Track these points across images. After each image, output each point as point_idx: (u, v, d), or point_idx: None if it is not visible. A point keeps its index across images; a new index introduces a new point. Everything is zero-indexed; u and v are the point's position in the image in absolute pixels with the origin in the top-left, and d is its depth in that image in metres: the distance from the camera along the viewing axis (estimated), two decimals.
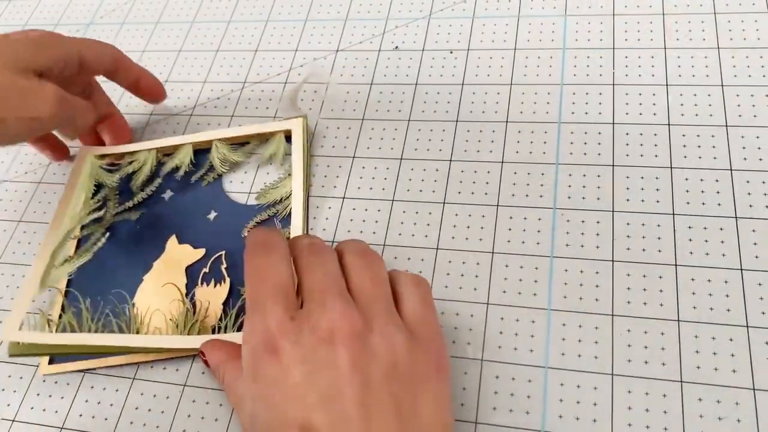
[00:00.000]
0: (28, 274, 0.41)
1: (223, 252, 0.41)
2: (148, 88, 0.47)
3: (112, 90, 0.50)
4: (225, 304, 0.39)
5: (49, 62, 0.39)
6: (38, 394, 0.39)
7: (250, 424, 0.29)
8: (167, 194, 0.44)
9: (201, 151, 0.46)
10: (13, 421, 0.38)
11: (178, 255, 0.41)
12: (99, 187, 0.45)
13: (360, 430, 0.26)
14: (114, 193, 0.45)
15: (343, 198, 0.43)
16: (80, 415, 0.38)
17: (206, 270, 0.40)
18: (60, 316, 0.40)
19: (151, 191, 0.44)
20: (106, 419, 0.37)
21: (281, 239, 0.33)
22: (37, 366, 0.40)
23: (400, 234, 0.40)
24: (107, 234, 0.43)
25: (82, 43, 0.42)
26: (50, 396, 0.39)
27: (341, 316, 0.28)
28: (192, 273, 0.41)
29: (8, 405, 0.39)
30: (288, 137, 0.45)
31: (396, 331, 0.29)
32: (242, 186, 0.44)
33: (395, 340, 0.28)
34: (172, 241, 0.42)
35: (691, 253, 0.37)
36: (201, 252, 0.41)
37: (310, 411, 0.27)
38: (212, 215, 0.43)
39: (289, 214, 0.42)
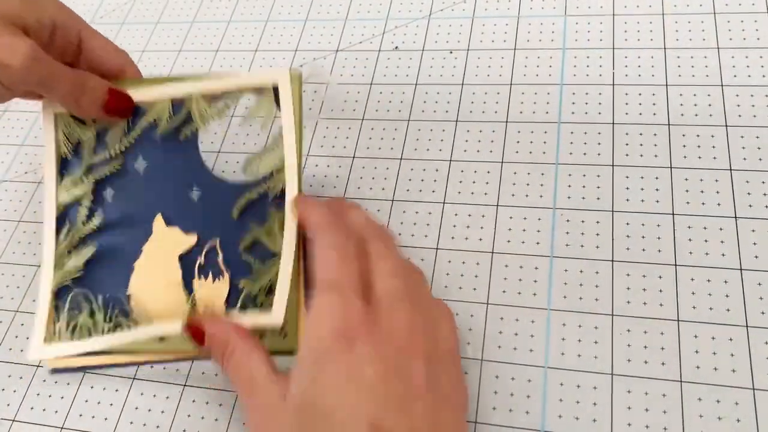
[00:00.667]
0: (41, 284, 0.39)
1: (217, 240, 0.38)
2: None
3: None
4: (226, 302, 0.36)
5: (31, 20, 0.36)
6: (38, 394, 0.39)
7: (296, 406, 0.28)
8: (141, 164, 0.40)
9: (180, 104, 0.40)
10: (13, 421, 0.38)
11: (168, 240, 0.39)
12: (77, 147, 0.41)
13: (426, 429, 0.27)
14: (91, 147, 0.41)
15: (343, 198, 0.43)
16: (80, 415, 0.38)
17: (201, 261, 0.38)
18: (74, 321, 0.38)
19: (127, 144, 0.40)
20: (106, 419, 0.37)
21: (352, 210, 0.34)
22: (37, 366, 0.40)
23: (399, 234, 0.40)
24: (95, 217, 0.40)
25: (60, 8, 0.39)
26: (50, 396, 0.39)
27: (419, 331, 0.29)
28: (186, 263, 0.38)
29: (8, 405, 0.39)
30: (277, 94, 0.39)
31: (434, 326, 0.31)
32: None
33: (434, 333, 0.30)
34: (159, 221, 0.39)
35: (690, 253, 0.37)
36: (193, 239, 0.38)
37: (384, 411, 0.26)
38: (195, 194, 0.39)
39: (283, 191, 0.37)
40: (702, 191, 0.39)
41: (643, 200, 0.39)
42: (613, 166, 0.41)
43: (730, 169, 0.39)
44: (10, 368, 0.40)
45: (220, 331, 0.33)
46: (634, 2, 0.48)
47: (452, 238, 0.40)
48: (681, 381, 0.33)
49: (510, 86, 0.46)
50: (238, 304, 0.36)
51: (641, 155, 0.41)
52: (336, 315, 0.28)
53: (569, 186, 0.40)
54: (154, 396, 0.38)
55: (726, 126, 0.41)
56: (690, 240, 0.37)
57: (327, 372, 0.27)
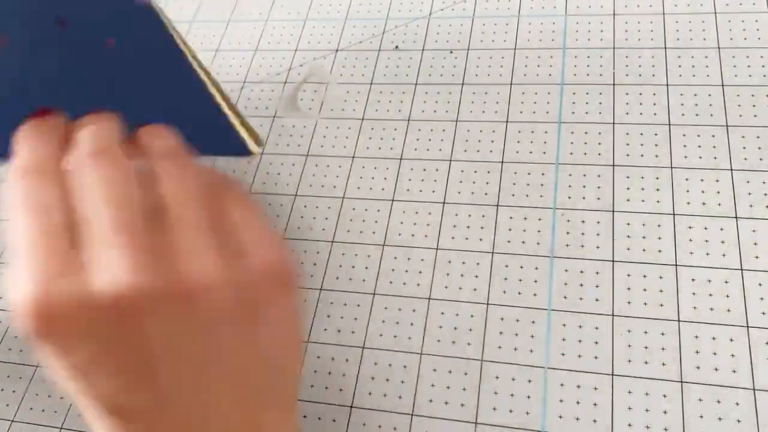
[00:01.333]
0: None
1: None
2: None
3: None
4: None
5: None
6: (38, 394, 0.39)
7: None
8: None
9: None
10: (13, 421, 0.38)
11: None
12: None
13: None
14: None
15: (343, 198, 0.43)
16: (80, 416, 0.38)
17: None
18: None
19: None
20: None
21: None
22: (37, 366, 0.40)
23: (400, 234, 0.40)
24: None
25: None
26: (50, 396, 0.39)
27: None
28: None
29: (7, 405, 0.39)
30: None
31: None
32: None
33: None
34: None
35: (691, 253, 0.37)
36: None
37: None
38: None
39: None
40: (702, 191, 0.39)
41: (643, 200, 0.39)
42: (613, 165, 0.41)
43: (731, 169, 0.39)
44: (10, 368, 0.40)
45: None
46: (634, 2, 0.48)
47: (452, 238, 0.40)
48: (682, 381, 0.33)
49: (510, 86, 0.46)
50: None
51: (642, 155, 0.41)
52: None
53: (569, 186, 0.40)
54: None
55: (726, 126, 0.41)
56: (690, 240, 0.37)
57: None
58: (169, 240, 0.20)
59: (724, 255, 0.36)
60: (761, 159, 0.39)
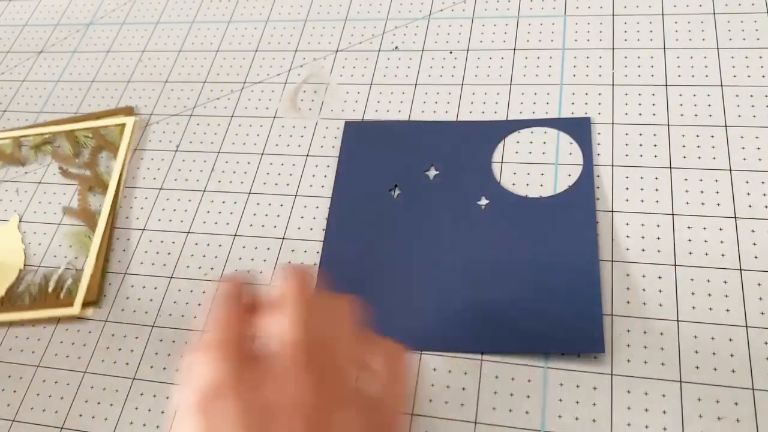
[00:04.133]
0: None
1: None
2: None
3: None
4: None
5: None
6: (38, 394, 0.39)
7: None
8: None
9: None
10: (13, 421, 0.38)
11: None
12: None
13: None
14: None
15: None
16: (80, 415, 0.38)
17: None
18: None
19: None
20: (106, 419, 0.37)
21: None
22: (37, 366, 0.40)
23: None
24: None
25: None
26: (50, 396, 0.39)
27: (301, 388, 0.24)
28: None
29: (8, 405, 0.39)
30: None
31: (357, 416, 0.25)
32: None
33: (353, 424, 0.24)
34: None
35: (690, 253, 0.37)
36: None
37: None
38: None
39: None
40: (702, 191, 0.39)
41: (642, 200, 0.39)
42: (613, 166, 0.41)
43: (730, 169, 0.39)
44: (11, 368, 0.40)
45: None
46: (634, 2, 0.48)
47: None
48: (681, 381, 0.33)
49: (510, 86, 0.46)
50: None
51: (641, 155, 0.41)
52: (204, 368, 0.25)
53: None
54: (154, 396, 0.38)
55: (726, 126, 0.41)
56: (690, 240, 0.37)
57: (184, 429, 0.24)
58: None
59: (723, 255, 0.36)
60: (760, 159, 0.39)
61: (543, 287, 0.36)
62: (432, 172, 0.42)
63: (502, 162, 0.42)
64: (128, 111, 0.51)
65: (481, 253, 0.38)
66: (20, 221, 0.47)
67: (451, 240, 0.39)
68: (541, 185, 0.40)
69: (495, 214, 0.39)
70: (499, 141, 0.42)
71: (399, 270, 0.39)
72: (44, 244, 0.45)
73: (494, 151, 0.42)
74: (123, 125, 0.50)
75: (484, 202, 0.40)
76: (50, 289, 0.43)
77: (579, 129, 0.42)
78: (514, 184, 0.41)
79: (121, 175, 0.47)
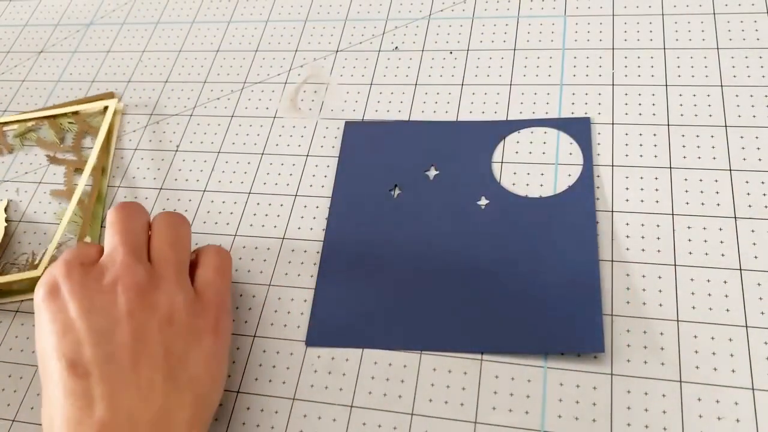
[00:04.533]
0: None
1: None
2: None
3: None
4: None
5: None
6: (38, 394, 0.39)
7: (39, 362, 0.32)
8: None
9: None
10: (14, 421, 0.38)
11: None
12: None
13: (126, 370, 0.29)
14: None
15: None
16: None
17: None
18: None
19: None
20: None
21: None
22: (37, 366, 0.40)
23: None
24: None
25: None
26: None
27: (126, 269, 0.31)
28: None
29: (8, 405, 0.39)
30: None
31: (178, 291, 0.32)
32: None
33: (176, 298, 0.32)
34: None
35: (690, 253, 0.37)
36: None
37: (80, 345, 0.29)
38: None
39: None
40: (701, 191, 0.39)
41: (642, 200, 0.39)
42: (612, 166, 0.41)
43: (730, 170, 0.39)
44: (11, 368, 0.40)
45: None
46: (634, 2, 0.48)
47: None
48: (680, 381, 0.33)
49: (510, 86, 0.46)
50: None
51: (641, 155, 0.41)
52: (44, 276, 0.33)
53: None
54: None
55: (725, 126, 0.41)
56: (689, 240, 0.37)
57: (39, 320, 0.32)
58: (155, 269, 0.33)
59: (723, 255, 0.36)
60: (760, 159, 0.39)
61: (543, 287, 0.36)
62: (432, 172, 0.42)
63: (502, 162, 0.42)
64: (109, 95, 0.52)
65: (481, 252, 0.38)
66: (20, 221, 0.47)
67: (451, 240, 0.39)
68: (541, 185, 0.40)
69: (495, 214, 0.39)
70: (499, 141, 0.43)
71: (399, 269, 0.39)
72: (44, 244, 0.45)
73: (494, 151, 0.42)
74: (105, 108, 0.51)
75: (484, 202, 0.40)
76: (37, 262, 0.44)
77: (579, 129, 0.42)
78: (514, 184, 0.41)
79: (106, 155, 0.48)
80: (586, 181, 0.39)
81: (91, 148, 0.49)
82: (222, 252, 0.36)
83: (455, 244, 0.39)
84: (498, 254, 0.38)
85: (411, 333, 0.37)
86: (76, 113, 0.51)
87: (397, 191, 0.42)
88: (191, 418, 0.30)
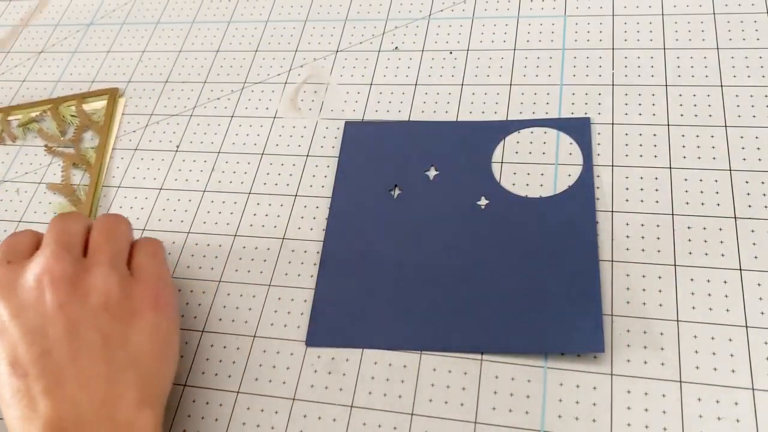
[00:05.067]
0: None
1: None
2: None
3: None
4: None
5: None
6: None
7: None
8: None
9: None
10: None
11: None
12: None
13: (64, 364, 0.29)
14: None
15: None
16: None
17: None
18: None
19: None
20: None
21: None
22: None
23: None
24: None
25: None
26: None
27: (53, 260, 0.31)
28: None
29: None
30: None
31: (112, 273, 0.32)
32: None
33: (110, 280, 0.32)
34: None
35: (690, 253, 0.37)
36: None
37: (16, 347, 0.30)
38: None
39: None
40: (701, 191, 0.39)
41: (642, 200, 0.39)
42: (612, 166, 0.41)
43: (730, 170, 0.39)
44: None
45: None
46: (634, 2, 0.48)
47: None
48: (680, 381, 0.33)
49: (510, 86, 0.46)
50: None
51: (641, 155, 0.41)
52: None
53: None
54: None
55: (725, 126, 0.41)
56: (689, 240, 0.37)
57: None
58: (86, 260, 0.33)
59: (723, 255, 0.36)
60: (760, 159, 0.39)
61: (543, 287, 0.36)
62: (432, 172, 0.42)
63: (502, 162, 0.42)
64: (113, 92, 0.52)
65: (481, 252, 0.38)
66: (20, 221, 0.47)
67: (450, 240, 0.39)
68: (541, 185, 0.40)
69: (495, 214, 0.39)
70: (499, 141, 0.42)
71: (398, 270, 0.39)
72: None
73: (494, 151, 0.42)
74: (109, 104, 0.51)
75: (484, 202, 0.40)
76: None
77: (579, 129, 0.42)
78: (514, 184, 0.41)
79: (105, 149, 0.49)
80: (586, 181, 0.39)
81: (92, 143, 0.49)
82: (153, 239, 0.37)
83: (455, 244, 0.39)
84: (498, 254, 0.38)
85: (411, 333, 0.37)
86: (80, 106, 0.51)
87: (397, 191, 0.42)
88: (139, 396, 0.30)
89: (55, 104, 0.52)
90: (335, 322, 0.38)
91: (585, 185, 0.39)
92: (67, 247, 0.32)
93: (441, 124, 0.44)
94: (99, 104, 0.51)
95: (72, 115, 0.51)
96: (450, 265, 0.38)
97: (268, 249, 0.42)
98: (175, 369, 0.34)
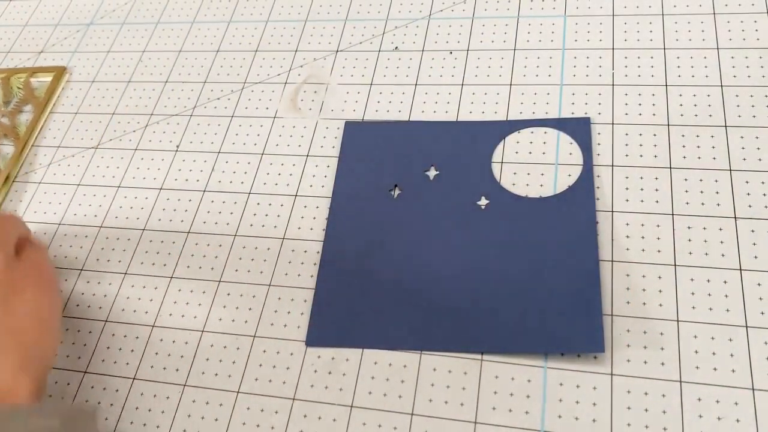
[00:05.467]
0: None
1: None
2: None
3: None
4: None
5: None
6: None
7: None
8: None
9: None
10: None
11: None
12: None
13: None
14: None
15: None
16: None
17: None
18: None
19: None
20: (106, 419, 0.37)
21: None
22: None
23: None
24: None
25: None
26: (50, 396, 0.39)
27: None
28: None
29: None
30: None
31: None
32: None
33: None
34: None
35: (690, 253, 0.37)
36: None
37: None
38: None
39: None
40: (701, 191, 0.39)
41: (642, 200, 0.39)
42: (612, 166, 0.41)
43: (730, 170, 0.39)
44: None
45: None
46: (634, 2, 0.48)
47: None
48: (680, 381, 0.33)
49: (510, 86, 0.46)
50: None
51: (641, 155, 0.41)
52: None
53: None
54: (155, 396, 0.38)
55: (725, 126, 0.41)
56: (689, 240, 0.37)
57: None
58: None
59: (723, 255, 0.36)
60: (760, 159, 0.39)
61: (543, 287, 0.36)
62: (432, 172, 0.42)
63: (502, 162, 0.42)
64: (60, 70, 0.54)
65: (481, 253, 0.38)
66: None
67: (450, 240, 0.39)
68: (541, 185, 0.40)
69: (495, 214, 0.39)
70: (499, 141, 0.42)
71: (399, 270, 0.39)
72: None
73: (494, 151, 0.42)
74: (53, 81, 0.53)
75: (484, 202, 0.40)
76: None
77: (579, 129, 0.42)
78: (514, 184, 0.41)
79: (36, 123, 0.51)
80: (586, 182, 0.39)
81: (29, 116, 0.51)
82: (32, 236, 0.40)
83: (455, 244, 0.39)
84: (498, 254, 0.38)
85: (411, 333, 0.37)
86: (27, 80, 0.53)
87: (397, 191, 0.42)
88: (18, 363, 0.32)
89: (8, 74, 0.54)
90: (335, 322, 0.38)
91: (585, 185, 0.39)
92: None
93: (441, 124, 0.44)
94: (46, 77, 0.53)
95: (18, 87, 0.53)
96: (450, 265, 0.38)
97: (268, 249, 0.42)
98: (56, 345, 0.37)
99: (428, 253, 0.39)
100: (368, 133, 0.45)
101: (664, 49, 0.45)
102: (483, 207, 0.40)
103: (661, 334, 0.35)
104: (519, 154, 0.42)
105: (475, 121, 0.44)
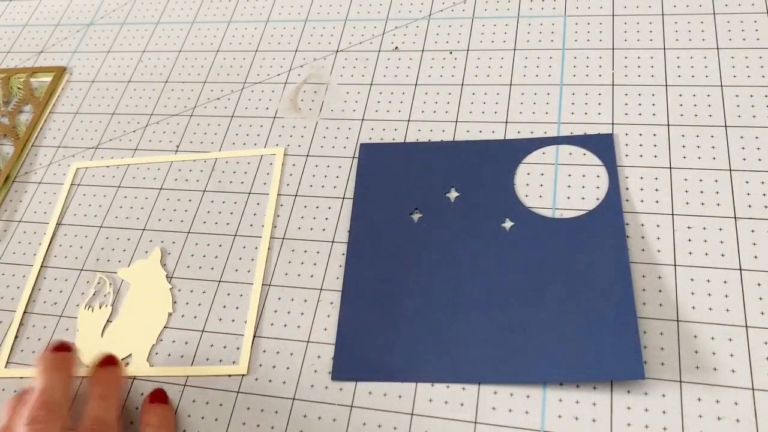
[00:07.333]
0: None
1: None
2: None
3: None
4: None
5: None
6: None
7: None
8: None
9: None
10: None
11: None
12: None
13: None
14: None
15: (343, 198, 0.43)
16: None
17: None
18: None
19: None
20: None
21: None
22: None
23: None
24: None
25: None
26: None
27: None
28: None
29: None
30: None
31: None
32: None
33: None
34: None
35: (690, 253, 0.37)
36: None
37: None
38: None
39: None
40: (701, 191, 0.39)
41: (642, 200, 0.39)
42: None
43: (730, 170, 0.39)
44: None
45: None
46: (634, 2, 0.48)
47: None
48: (680, 381, 0.33)
49: (510, 86, 0.46)
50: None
51: (641, 155, 0.41)
52: None
53: (569, 186, 0.40)
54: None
55: (725, 126, 0.41)
56: (689, 240, 0.37)
57: None
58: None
59: (723, 255, 0.36)
60: (760, 159, 0.39)
61: (577, 312, 0.34)
62: (453, 194, 0.40)
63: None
64: (60, 70, 0.54)
65: (509, 277, 0.36)
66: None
67: (476, 264, 0.37)
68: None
69: (521, 236, 0.38)
70: (520, 160, 0.41)
71: (423, 297, 0.37)
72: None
73: (516, 171, 0.41)
74: (53, 81, 0.53)
75: (508, 224, 0.38)
76: None
77: (602, 146, 0.40)
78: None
79: (36, 123, 0.51)
80: (613, 200, 0.38)
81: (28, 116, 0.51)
82: (166, 413, 0.37)
83: (482, 269, 0.37)
84: (527, 278, 0.36)
85: (437, 364, 0.35)
86: (27, 80, 0.53)
87: (417, 215, 0.40)
88: None
89: (8, 74, 0.54)
90: (361, 353, 0.36)
91: (612, 204, 0.38)
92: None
93: (459, 143, 0.42)
94: (46, 76, 0.53)
95: (18, 87, 0.53)
96: (476, 291, 0.36)
97: (269, 249, 0.42)
98: None
99: (453, 278, 0.37)
100: (384, 155, 0.43)
101: (664, 49, 0.45)
102: (508, 229, 0.38)
103: (661, 334, 0.35)
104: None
105: (494, 140, 0.42)
